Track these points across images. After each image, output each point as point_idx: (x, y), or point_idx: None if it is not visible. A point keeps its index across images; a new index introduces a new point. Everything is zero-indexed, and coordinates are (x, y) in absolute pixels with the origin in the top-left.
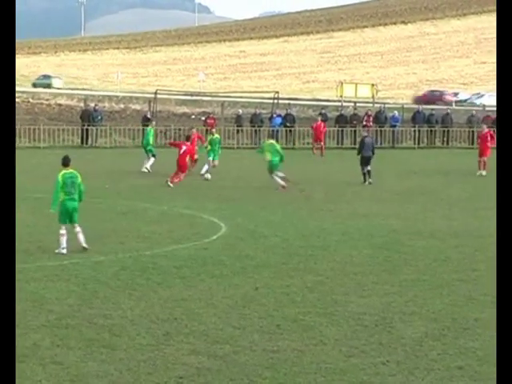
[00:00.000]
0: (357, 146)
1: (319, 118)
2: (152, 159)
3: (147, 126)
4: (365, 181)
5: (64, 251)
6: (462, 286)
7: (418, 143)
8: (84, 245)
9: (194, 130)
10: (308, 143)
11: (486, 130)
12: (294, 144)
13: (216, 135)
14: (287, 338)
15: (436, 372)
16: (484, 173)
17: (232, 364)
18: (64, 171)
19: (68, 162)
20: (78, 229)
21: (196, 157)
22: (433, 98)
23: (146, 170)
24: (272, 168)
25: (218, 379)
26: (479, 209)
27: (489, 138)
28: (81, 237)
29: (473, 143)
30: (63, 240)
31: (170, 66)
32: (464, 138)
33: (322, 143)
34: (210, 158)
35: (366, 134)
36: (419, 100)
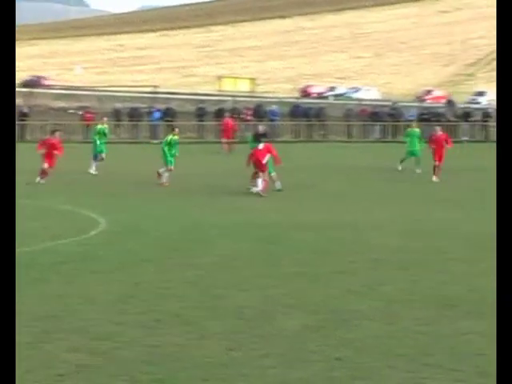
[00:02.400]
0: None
1: (227, 115)
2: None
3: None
4: None
5: None
6: (340, 278)
7: (297, 137)
8: None
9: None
10: (187, 138)
11: (440, 132)
12: None
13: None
14: (168, 333)
15: (316, 363)
16: (436, 179)
17: (112, 360)
18: None
19: None
20: None
21: None
22: None
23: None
24: None
25: (98, 376)
26: (356, 201)
27: (444, 143)
28: None
29: (350, 136)
30: None
31: (46, 60)
32: (341, 132)
33: (230, 139)
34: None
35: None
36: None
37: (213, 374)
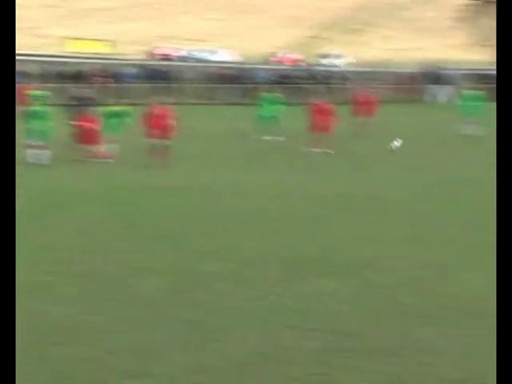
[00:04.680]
0: None
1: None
2: None
3: None
4: None
5: None
6: (194, 240)
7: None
8: None
9: None
10: None
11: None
12: None
13: None
14: (20, 299)
15: (170, 326)
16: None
17: None
18: None
19: None
20: None
21: None
22: None
23: None
24: None
25: None
26: (214, 165)
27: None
28: None
29: (204, 98)
30: None
31: None
32: (196, 94)
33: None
34: None
35: None
36: None
37: (67, 339)
